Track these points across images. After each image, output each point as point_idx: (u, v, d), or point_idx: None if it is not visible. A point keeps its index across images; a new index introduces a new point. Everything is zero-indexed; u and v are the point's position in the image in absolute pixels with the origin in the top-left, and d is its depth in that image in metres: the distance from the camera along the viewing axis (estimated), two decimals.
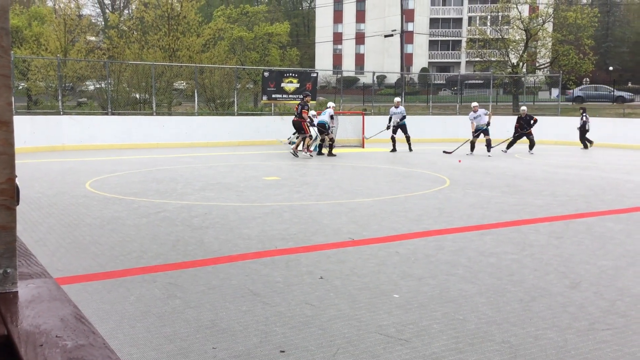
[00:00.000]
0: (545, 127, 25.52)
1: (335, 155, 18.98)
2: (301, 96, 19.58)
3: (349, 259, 6.20)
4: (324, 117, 19.55)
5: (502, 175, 13.89)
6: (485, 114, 19.91)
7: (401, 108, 21.55)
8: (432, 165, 16.31)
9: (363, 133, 23.04)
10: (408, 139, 21.03)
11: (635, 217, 8.90)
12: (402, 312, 4.61)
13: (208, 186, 11.46)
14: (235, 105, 25.59)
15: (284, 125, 23.76)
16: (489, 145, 19.60)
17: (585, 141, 23.57)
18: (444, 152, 20.39)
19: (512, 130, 22.35)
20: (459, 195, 10.60)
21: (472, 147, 19.92)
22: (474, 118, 19.89)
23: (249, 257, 6.21)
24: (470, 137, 20.17)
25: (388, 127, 21.31)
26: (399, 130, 21.16)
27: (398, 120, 21.18)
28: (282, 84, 24.47)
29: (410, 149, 20.85)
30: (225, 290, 5.09)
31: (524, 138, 21.35)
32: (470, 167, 15.62)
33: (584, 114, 24.10)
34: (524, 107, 22.07)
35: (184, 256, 6.21)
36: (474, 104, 20.35)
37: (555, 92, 44.08)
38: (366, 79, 57.41)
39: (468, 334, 4.17)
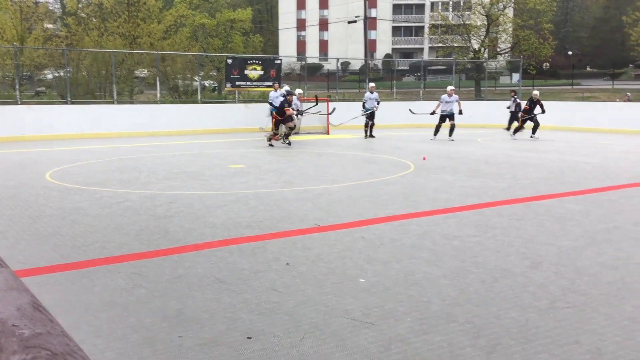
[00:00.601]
0: (505, 111, 25.86)
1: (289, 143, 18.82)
2: (283, 93, 19.50)
3: (315, 245, 6.22)
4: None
5: (465, 159, 14.07)
6: (456, 101, 19.92)
7: (376, 93, 21.32)
8: (396, 150, 16.42)
9: (328, 120, 23.04)
10: (372, 125, 20.94)
11: (593, 198, 9.12)
12: (367, 295, 4.65)
13: (172, 175, 11.35)
14: (199, 93, 25.36)
15: (248, 113, 23.67)
16: (452, 130, 19.79)
17: (516, 124, 23.83)
18: (410, 110, 20.62)
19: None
20: (423, 180, 10.70)
21: (436, 131, 20.06)
22: (446, 102, 19.79)
23: (215, 245, 6.18)
24: (436, 112, 20.11)
25: (365, 113, 20.89)
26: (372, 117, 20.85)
27: (375, 105, 20.90)
28: (246, 71, 24.30)
29: (372, 135, 20.81)
30: (191, 279, 5.07)
31: (528, 122, 21.13)
32: (434, 152, 15.78)
33: (515, 97, 24.44)
34: (536, 92, 21.88)
35: (148, 246, 6.15)
36: (450, 87, 20.28)
37: (516, 76, 44.70)
38: (330, 65, 57.38)
39: (432, 316, 4.24)
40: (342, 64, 56.59)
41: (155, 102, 23.90)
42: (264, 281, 5.01)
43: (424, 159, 8.44)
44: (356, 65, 59.04)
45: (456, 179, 10.83)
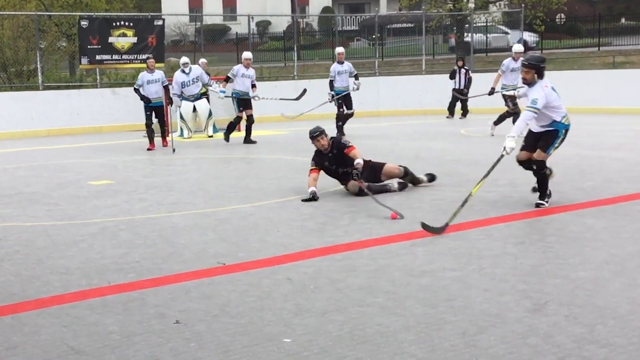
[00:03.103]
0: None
1: (254, 142, 18.87)
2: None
3: (218, 293, 6.29)
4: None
5: (438, 159, 14.40)
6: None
7: (348, 64, 20.54)
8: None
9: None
10: (349, 117, 20.15)
11: (625, 208, 9.50)
12: None
13: (1, 199, 11.22)
14: (39, 74, 25.01)
15: (118, 103, 23.49)
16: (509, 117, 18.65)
17: (465, 108, 24.87)
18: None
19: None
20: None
21: (500, 120, 18.98)
22: (511, 70, 18.85)
23: (68, 300, 6.19)
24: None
25: (332, 99, 20.07)
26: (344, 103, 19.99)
27: (353, 84, 20.10)
28: (111, 39, 24.17)
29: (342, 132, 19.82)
30: (33, 349, 5.08)
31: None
32: (394, 150, 16.05)
33: (464, 68, 25.25)
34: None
35: None
36: (517, 47, 19.38)
37: (515, 36, 45.67)
38: (241, 27, 57.32)
39: None
40: (258, 24, 56.71)
41: None
42: (141, 348, 5.06)
43: (394, 217, 8.68)
44: (280, 25, 59.22)
45: (426, 189, 11.08)
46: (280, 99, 20.77)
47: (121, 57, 24.40)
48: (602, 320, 5.45)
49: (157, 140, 18.27)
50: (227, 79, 19.33)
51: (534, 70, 9.32)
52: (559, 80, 18.92)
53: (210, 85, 20.62)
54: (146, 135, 18.21)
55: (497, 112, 25.30)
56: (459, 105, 24.85)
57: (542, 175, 9.55)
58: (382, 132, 21.06)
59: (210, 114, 20.90)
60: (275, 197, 10.76)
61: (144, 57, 23.19)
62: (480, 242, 7.82)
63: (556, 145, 9.45)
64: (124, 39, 24.38)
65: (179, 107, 20.38)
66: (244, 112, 18.70)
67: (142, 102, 18.26)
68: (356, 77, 20.26)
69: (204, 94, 20.83)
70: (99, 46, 24.04)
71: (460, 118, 24.28)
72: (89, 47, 24.01)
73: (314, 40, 55.57)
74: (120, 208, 10.35)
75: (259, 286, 6.45)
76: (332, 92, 19.96)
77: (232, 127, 18.84)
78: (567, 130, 9.48)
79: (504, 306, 5.81)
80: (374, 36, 39.46)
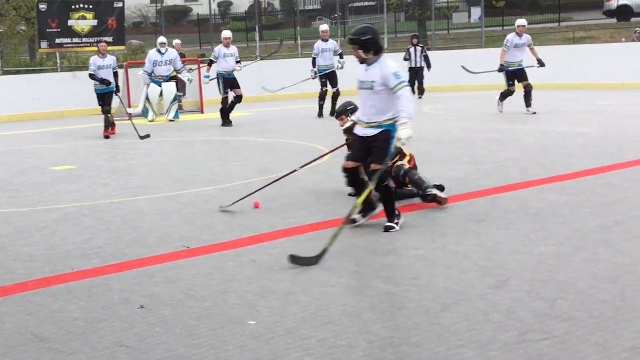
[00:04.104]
0: (465, 65, 26.54)
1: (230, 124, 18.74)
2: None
3: (182, 276, 6.30)
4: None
5: None
6: (529, 45, 18.52)
7: (333, 42, 20.44)
8: (306, 131, 16.61)
9: (201, 93, 22.90)
10: (336, 96, 19.55)
11: (587, 183, 9.62)
12: (260, 344, 4.78)
13: None
14: None
15: (78, 87, 23.26)
16: (528, 97, 18.21)
17: (421, 86, 24.99)
18: (464, 67, 20.58)
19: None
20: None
21: (504, 96, 18.51)
22: (515, 45, 18.24)
23: (31, 287, 6.17)
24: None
25: (315, 75, 19.94)
26: (328, 82, 20.00)
27: (337, 62, 19.95)
28: (71, 22, 23.93)
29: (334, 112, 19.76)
30: None
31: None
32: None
33: (419, 45, 25.26)
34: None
35: None
36: (520, 21, 18.70)
37: (476, 13, 45.82)
38: (202, 8, 57.01)
39: None
40: (219, 4, 56.49)
41: None
42: (106, 334, 5.06)
43: (256, 206, 8.58)
44: (241, 6, 59.02)
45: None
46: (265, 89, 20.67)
47: (81, 40, 24.18)
48: (563, 295, 5.52)
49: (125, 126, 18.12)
50: (211, 62, 19.26)
51: (358, 45, 7.50)
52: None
53: (180, 73, 20.46)
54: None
55: (455, 90, 25.55)
56: (418, 85, 24.91)
57: (386, 186, 7.58)
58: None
59: (175, 99, 20.75)
60: (239, 179, 10.74)
61: (105, 39, 22.97)
62: (443, 220, 7.88)
63: (391, 148, 7.50)
64: (83, 22, 24.15)
65: (147, 85, 20.24)
66: (230, 93, 18.58)
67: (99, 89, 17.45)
68: (340, 55, 20.20)
69: (173, 78, 20.67)
70: (59, 29, 23.80)
71: (418, 97, 24.32)
72: (48, 30, 23.76)
73: (276, 20, 55.48)
74: (83, 193, 10.30)
75: (223, 269, 6.46)
76: (315, 69, 19.93)
77: (224, 111, 18.70)
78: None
79: (466, 283, 5.87)
80: (335, 15, 39.40)
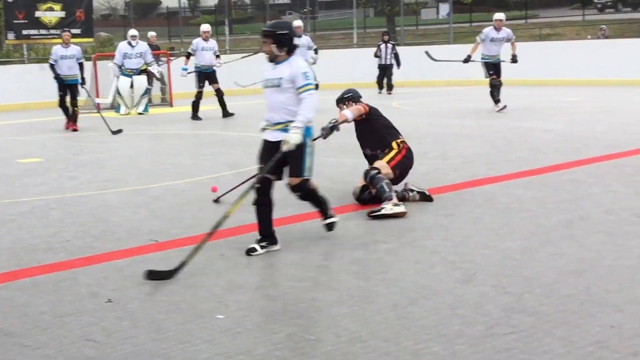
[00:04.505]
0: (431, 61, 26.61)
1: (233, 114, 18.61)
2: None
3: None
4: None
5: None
6: (509, 40, 18.32)
7: (307, 38, 20.56)
8: None
9: (170, 86, 22.81)
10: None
11: (552, 179, 9.69)
12: (229, 338, 4.78)
13: None
14: None
15: (46, 79, 23.04)
16: (496, 90, 17.87)
17: (390, 83, 25.01)
18: (427, 54, 20.05)
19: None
20: (314, 167, 10.88)
21: (495, 94, 17.85)
22: (491, 39, 17.98)
23: None
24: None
25: None
26: None
27: (306, 58, 19.77)
28: (38, 13, 23.73)
29: None
30: None
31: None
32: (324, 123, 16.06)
33: (390, 42, 25.37)
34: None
35: None
36: (498, 15, 18.53)
37: (444, 9, 46.01)
38: (171, 1, 56.79)
39: (322, 359, 4.42)
40: None
41: None
42: (73, 328, 5.03)
43: (214, 190, 8.53)
44: (211, 0, 58.86)
45: (359, 163, 11.10)
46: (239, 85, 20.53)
47: (49, 31, 23.99)
48: (529, 289, 5.57)
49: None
50: (188, 55, 19.16)
51: (272, 40, 6.78)
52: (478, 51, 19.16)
53: (151, 66, 20.34)
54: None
55: (424, 86, 25.64)
56: (387, 81, 24.96)
57: (309, 192, 7.06)
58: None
59: (145, 92, 20.63)
60: (209, 172, 10.71)
61: (73, 31, 22.78)
62: (411, 215, 7.88)
63: (307, 157, 6.89)
64: (51, 13, 23.96)
65: (117, 77, 20.10)
66: (203, 88, 18.49)
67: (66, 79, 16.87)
68: (315, 50, 20.30)
69: (144, 71, 20.54)
70: (26, 21, 23.62)
71: (387, 93, 24.36)
72: (15, 22, 23.58)
73: (246, 14, 55.38)
74: (50, 186, 10.22)
75: (192, 263, 6.40)
76: None
77: (195, 106, 18.56)
78: (311, 137, 6.99)
79: (434, 278, 5.90)
80: (305, 9, 39.37)
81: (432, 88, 26.22)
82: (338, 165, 11.01)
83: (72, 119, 16.91)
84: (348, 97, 8.88)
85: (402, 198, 8.31)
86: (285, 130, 6.70)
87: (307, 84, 6.71)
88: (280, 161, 6.73)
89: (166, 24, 46.52)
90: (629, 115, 16.56)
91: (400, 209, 7.79)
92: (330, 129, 8.23)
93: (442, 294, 5.52)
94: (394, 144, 8.55)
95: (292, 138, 6.54)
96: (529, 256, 6.41)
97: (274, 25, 7.07)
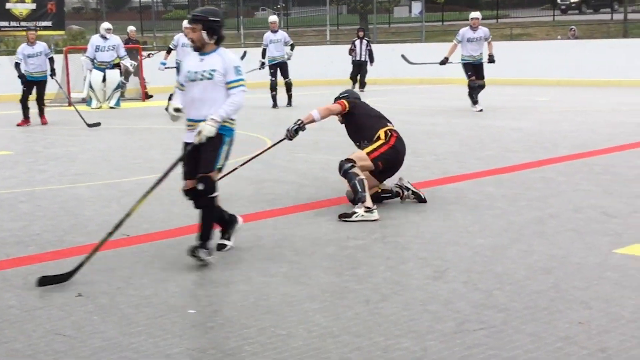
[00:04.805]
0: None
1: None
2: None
3: (122, 264, 6.24)
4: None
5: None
6: (486, 39, 18.13)
7: (283, 33, 20.52)
8: (246, 121, 16.49)
9: (142, 78, 22.73)
10: (289, 86, 19.98)
11: (522, 177, 9.74)
12: (200, 333, 4.78)
13: None
14: None
15: (15, 70, 22.87)
16: (476, 91, 17.88)
17: (363, 80, 25.00)
18: (404, 57, 19.90)
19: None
20: (285, 162, 10.94)
21: (474, 95, 17.83)
22: (468, 40, 17.83)
23: None
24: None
25: (262, 66, 20.02)
26: (279, 71, 19.84)
27: (285, 53, 19.92)
28: (9, 5, 23.57)
29: (290, 103, 19.91)
30: None
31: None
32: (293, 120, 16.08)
33: (365, 39, 25.29)
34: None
35: None
36: (475, 14, 18.42)
37: (416, 7, 46.13)
38: None
39: (293, 354, 4.41)
40: None
41: None
42: (42, 322, 4.99)
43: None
44: None
45: (331, 159, 11.11)
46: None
47: (19, 24, 23.80)
48: (499, 286, 5.60)
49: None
50: (169, 50, 19.02)
51: (202, 26, 6.23)
52: (459, 52, 19.25)
53: (123, 60, 20.23)
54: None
55: (396, 84, 25.70)
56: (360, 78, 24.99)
57: (208, 204, 6.37)
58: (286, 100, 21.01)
59: (118, 86, 20.49)
60: (180, 167, 10.64)
61: (44, 24, 22.70)
62: (383, 212, 7.88)
63: (222, 155, 6.38)
64: (22, 5, 23.79)
65: (90, 71, 19.97)
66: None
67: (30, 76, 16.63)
68: (292, 46, 20.21)
69: (117, 65, 20.40)
70: None
71: (360, 91, 24.37)
72: None
73: (219, 9, 55.13)
74: (19, 179, 10.15)
75: (163, 257, 6.41)
76: (262, 60, 19.97)
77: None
78: (232, 140, 6.46)
79: (406, 274, 5.92)
80: (278, 6, 39.36)
81: (404, 86, 26.29)
82: (310, 161, 11.00)
83: (40, 113, 16.79)
84: (341, 97, 8.54)
85: (397, 195, 8.25)
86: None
87: (240, 80, 6.24)
88: (194, 160, 6.30)
89: (139, 18, 46.24)
90: (598, 115, 16.70)
91: (373, 215, 7.53)
92: (295, 131, 8.03)
93: (413, 290, 5.53)
94: (380, 133, 8.09)
95: (206, 128, 6.05)
96: (500, 253, 6.43)
97: (205, 10, 6.46)
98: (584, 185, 9.13)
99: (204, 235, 6.18)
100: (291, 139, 8.07)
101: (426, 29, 33.00)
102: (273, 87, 19.82)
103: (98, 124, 15.62)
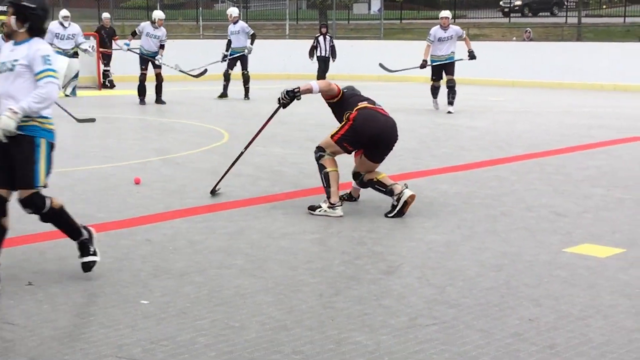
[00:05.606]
0: (364, 56, 26.69)
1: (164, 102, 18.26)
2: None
3: (74, 254, 6.10)
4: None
5: (302, 124, 14.44)
6: (460, 36, 18.34)
7: (243, 23, 20.27)
8: (205, 113, 16.49)
9: (98, 66, 22.48)
10: (246, 78, 19.90)
11: (476, 175, 9.79)
12: (153, 324, 4.73)
13: None
14: None
15: None
16: (452, 93, 17.63)
17: (324, 76, 24.29)
18: (381, 66, 19.42)
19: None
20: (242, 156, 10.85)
21: (436, 93, 17.94)
22: (439, 39, 17.71)
23: None
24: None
25: (224, 59, 19.98)
26: (238, 63, 19.79)
27: (245, 46, 19.75)
28: None
29: (247, 96, 19.77)
30: None
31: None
32: (258, 113, 16.02)
33: (328, 35, 25.26)
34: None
35: None
36: (445, 13, 18.26)
37: (375, 5, 46.22)
38: None
39: (246, 346, 4.39)
40: None
41: None
42: None
43: (137, 181, 8.44)
44: None
45: (288, 153, 11.13)
46: (180, 70, 20.10)
47: None
48: (452, 282, 5.62)
49: None
50: (134, 34, 18.79)
51: (14, 10, 5.43)
52: (417, 50, 19.32)
53: (81, 46, 19.97)
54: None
55: (354, 80, 25.67)
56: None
57: (51, 213, 5.63)
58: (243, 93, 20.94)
59: (76, 76, 20.22)
60: (137, 157, 10.59)
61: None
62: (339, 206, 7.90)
63: (41, 165, 5.43)
64: None
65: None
66: (147, 71, 18.12)
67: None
68: (253, 36, 19.93)
69: (76, 54, 20.12)
70: None
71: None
72: None
73: (177, 0, 54.70)
74: None
75: (117, 247, 6.35)
76: (225, 53, 19.94)
77: (141, 89, 18.13)
78: (53, 145, 5.54)
79: (360, 268, 5.92)
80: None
81: (362, 82, 25.90)
82: (267, 154, 10.95)
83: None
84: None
85: (391, 192, 7.62)
86: (19, 127, 5.27)
87: (48, 70, 5.34)
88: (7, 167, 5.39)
89: (96, 6, 45.62)
90: (551, 116, 16.83)
91: (336, 212, 7.44)
92: (288, 95, 7.53)
93: (367, 284, 5.53)
94: (345, 116, 7.72)
95: (3, 120, 5.17)
96: (453, 250, 6.46)
97: None
98: (536, 184, 9.20)
99: (74, 235, 5.67)
100: (285, 107, 7.66)
101: (385, 26, 33.04)
102: (227, 77, 19.86)
103: (92, 120, 13.84)
